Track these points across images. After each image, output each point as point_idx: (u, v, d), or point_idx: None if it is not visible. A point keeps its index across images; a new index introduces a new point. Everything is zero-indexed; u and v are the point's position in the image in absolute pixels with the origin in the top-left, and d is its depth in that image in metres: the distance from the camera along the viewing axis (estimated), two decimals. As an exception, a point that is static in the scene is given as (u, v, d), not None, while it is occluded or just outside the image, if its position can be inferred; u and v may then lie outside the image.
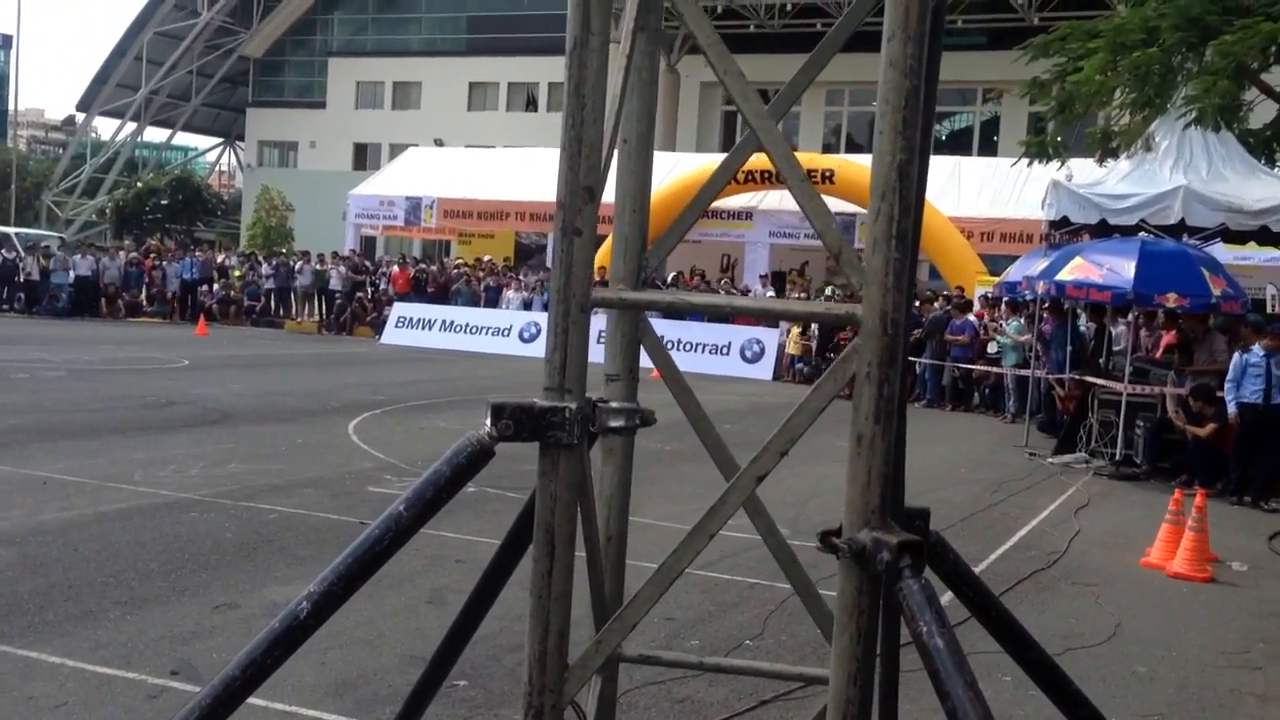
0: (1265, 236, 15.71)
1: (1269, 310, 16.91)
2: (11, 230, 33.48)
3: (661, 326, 23.49)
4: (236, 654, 2.09)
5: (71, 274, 29.53)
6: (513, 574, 2.51)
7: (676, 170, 27.75)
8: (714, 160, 30.63)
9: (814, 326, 21.66)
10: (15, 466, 9.41)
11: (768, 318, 22.89)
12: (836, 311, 2.03)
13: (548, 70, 46.34)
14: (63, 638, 5.57)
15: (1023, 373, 17.30)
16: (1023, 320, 18.06)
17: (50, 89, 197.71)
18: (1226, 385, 12.00)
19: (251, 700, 5.19)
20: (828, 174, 25.60)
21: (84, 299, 29.45)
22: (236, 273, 31.69)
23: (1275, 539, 10.14)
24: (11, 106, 69.41)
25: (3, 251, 30.29)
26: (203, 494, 8.90)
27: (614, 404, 2.23)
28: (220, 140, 60.93)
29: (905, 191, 1.79)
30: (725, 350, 23.48)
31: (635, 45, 2.14)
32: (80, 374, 16.46)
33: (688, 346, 23.51)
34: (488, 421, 1.93)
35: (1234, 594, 8.20)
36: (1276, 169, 17.44)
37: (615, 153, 2.27)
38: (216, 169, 67.60)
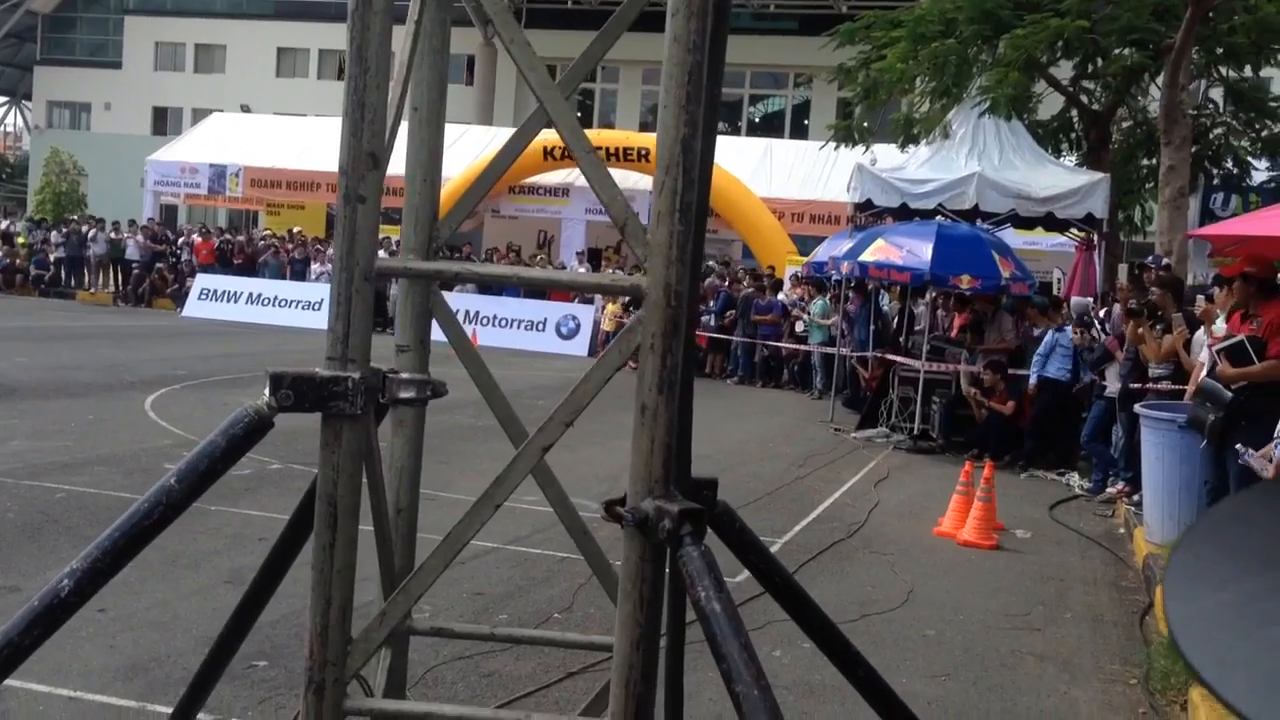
0: (1050, 223, 16.67)
1: (1054, 293, 17.90)
2: None
3: (477, 302, 23.30)
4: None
5: None
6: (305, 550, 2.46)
7: (493, 145, 27.48)
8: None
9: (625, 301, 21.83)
10: None
11: (556, 289, 22.88)
12: (622, 283, 2.06)
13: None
14: None
15: (828, 350, 17.88)
16: (829, 300, 18.64)
17: None
18: (1035, 359, 12.66)
19: (34, 686, 4.96)
20: (644, 152, 25.80)
21: None
22: (21, 240, 29.86)
23: (1056, 508, 10.79)
24: None
25: None
26: (-18, 473, 8.40)
27: (405, 375, 2.20)
28: (5, 100, 57.09)
29: (689, 165, 1.82)
30: (541, 326, 23.45)
31: (425, 11, 2.11)
32: None
33: (503, 322, 23.39)
34: (266, 392, 1.88)
35: (1018, 560, 8.68)
36: (1062, 159, 18.50)
37: (405, 122, 2.24)
38: (1, 130, 63.37)
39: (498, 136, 28.84)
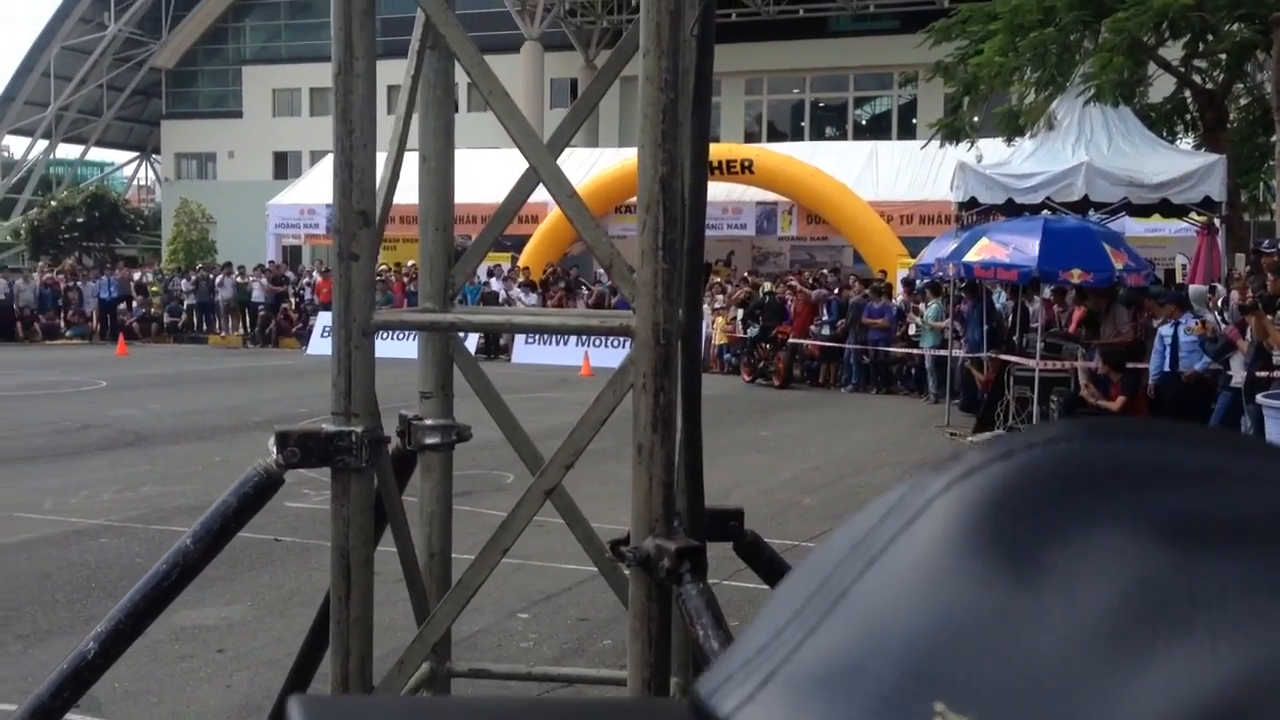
0: (1166, 209, 16.09)
1: (1179, 280, 17.28)
2: (-79, 257, 32.67)
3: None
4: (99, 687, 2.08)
5: (-17, 298, 28.88)
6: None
7: (597, 166, 27.80)
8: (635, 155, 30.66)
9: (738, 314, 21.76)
10: (-86, 502, 9.22)
11: (544, 333, 22.62)
12: (611, 324, 2.07)
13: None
14: (-43, 675, 5.49)
15: (940, 353, 17.55)
16: (941, 302, 18.33)
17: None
18: (1153, 356, 12.29)
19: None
20: (747, 164, 25.76)
21: (-1, 324, 28.82)
22: (155, 289, 31.17)
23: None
24: (-82, 129, 67.68)
25: (-88, 279, 29.54)
26: (113, 519, 8.77)
27: (429, 421, 2.24)
28: (136, 154, 59.84)
29: (669, 203, 1.82)
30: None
31: (424, 63, 2.16)
32: (-9, 402, 16.13)
33: (616, 343, 23.52)
34: (273, 448, 1.94)
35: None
36: (1176, 142, 17.87)
37: (417, 170, 2.28)
38: (134, 184, 66.40)
39: (602, 158, 29.10)
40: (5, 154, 57.30)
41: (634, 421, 1.90)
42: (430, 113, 2.26)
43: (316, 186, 34.09)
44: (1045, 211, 15.03)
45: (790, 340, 20.44)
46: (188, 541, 1.96)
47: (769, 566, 2.23)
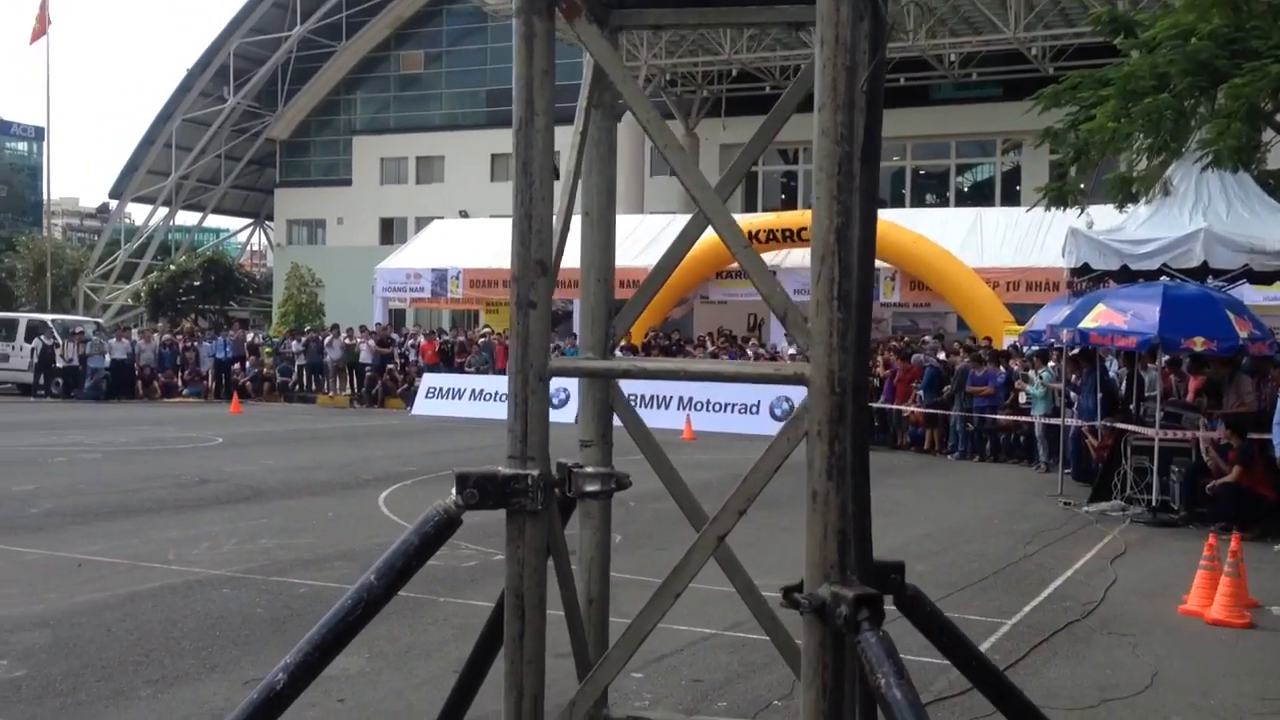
0: (1290, 275, 15.63)
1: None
2: (48, 317, 34.07)
3: (690, 388, 23.52)
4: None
5: (108, 358, 29.98)
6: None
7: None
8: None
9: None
10: (51, 550, 9.54)
11: (718, 380, 22.57)
12: (785, 372, 2.09)
13: (567, 138, 46.80)
14: (95, 718, 5.63)
15: (1052, 421, 17.18)
16: (1052, 368, 17.99)
17: (83, 178, 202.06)
18: (1275, 426, 11.85)
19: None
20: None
21: (121, 382, 29.89)
22: (267, 350, 32.07)
23: (1313, 580, 9.98)
24: (45, 196, 70.90)
25: (41, 338, 30.82)
26: (234, 570, 8.97)
27: (589, 469, 2.28)
28: (250, 221, 61.94)
29: (844, 254, 1.85)
30: (755, 409, 23.45)
31: (590, 121, 2.23)
32: (116, 456, 16.67)
33: (717, 407, 23.51)
34: (453, 491, 1.99)
35: (1274, 639, 8.06)
36: (1298, 207, 17.38)
37: (579, 224, 2.35)
38: (247, 249, 68.61)
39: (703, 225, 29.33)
40: (128, 220, 59.74)
41: (809, 469, 1.91)
42: (594, 170, 2.33)
43: (421, 251, 34.90)
44: (1163, 278, 14.70)
45: (892, 407, 20.25)
46: (371, 578, 2.02)
47: (930, 621, 2.21)
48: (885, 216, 29.43)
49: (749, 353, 25.81)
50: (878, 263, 22.87)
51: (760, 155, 2.33)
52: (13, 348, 31.28)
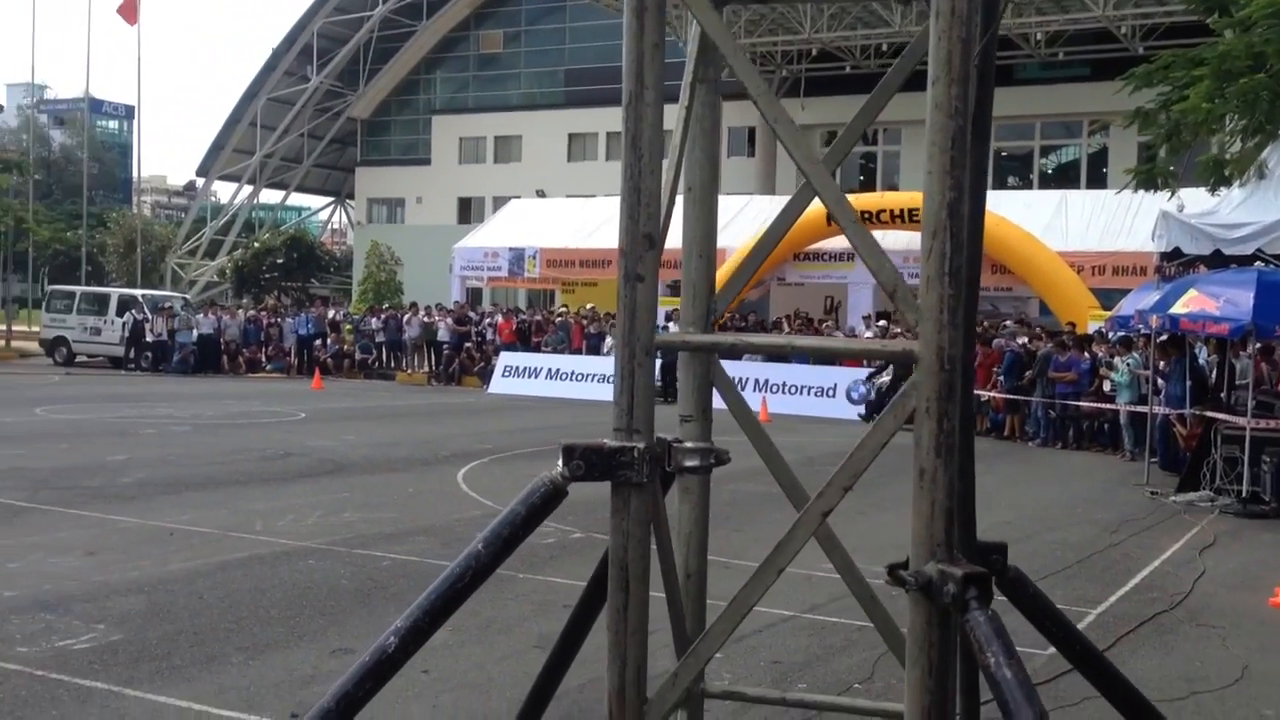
0: (1389, 261, 15.13)
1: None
2: (138, 292, 34.93)
3: (765, 370, 23.45)
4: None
5: (195, 333, 30.70)
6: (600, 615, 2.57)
7: (778, 213, 27.79)
8: (817, 202, 30.59)
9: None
10: (144, 519, 9.81)
11: (826, 356, 22.35)
12: (893, 348, 2.07)
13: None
14: (188, 682, 5.79)
15: (1139, 409, 16.83)
16: (1138, 355, 17.62)
17: (171, 156, 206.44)
18: None
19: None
20: (914, 212, 25.38)
21: (207, 356, 30.60)
22: (348, 328, 32.56)
23: None
24: (135, 174, 72.61)
25: (131, 313, 31.62)
26: (319, 542, 9.16)
27: (689, 444, 2.29)
28: (331, 199, 62.85)
29: (956, 229, 1.83)
30: (831, 392, 23.31)
31: (695, 96, 2.23)
32: (204, 429, 17.08)
33: (792, 389, 23.42)
34: (559, 463, 2.01)
35: (1367, 633, 7.85)
36: (1400, 190, 16.79)
37: (680, 200, 2.35)
38: (328, 227, 69.66)
39: (781, 206, 29.17)
40: (214, 198, 60.96)
41: (915, 447, 1.90)
42: (697, 145, 2.33)
43: (499, 230, 35.14)
44: (1257, 264, 14.32)
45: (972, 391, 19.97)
46: (479, 546, 2.05)
47: (1033, 604, 2.19)
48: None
49: (830, 334, 25.61)
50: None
51: (862, 132, 2.31)
52: (105, 322, 32.14)
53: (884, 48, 39.76)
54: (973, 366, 2.08)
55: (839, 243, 27.33)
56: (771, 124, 1.98)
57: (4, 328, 41.36)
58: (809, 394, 23.31)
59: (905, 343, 1.93)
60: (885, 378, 21.61)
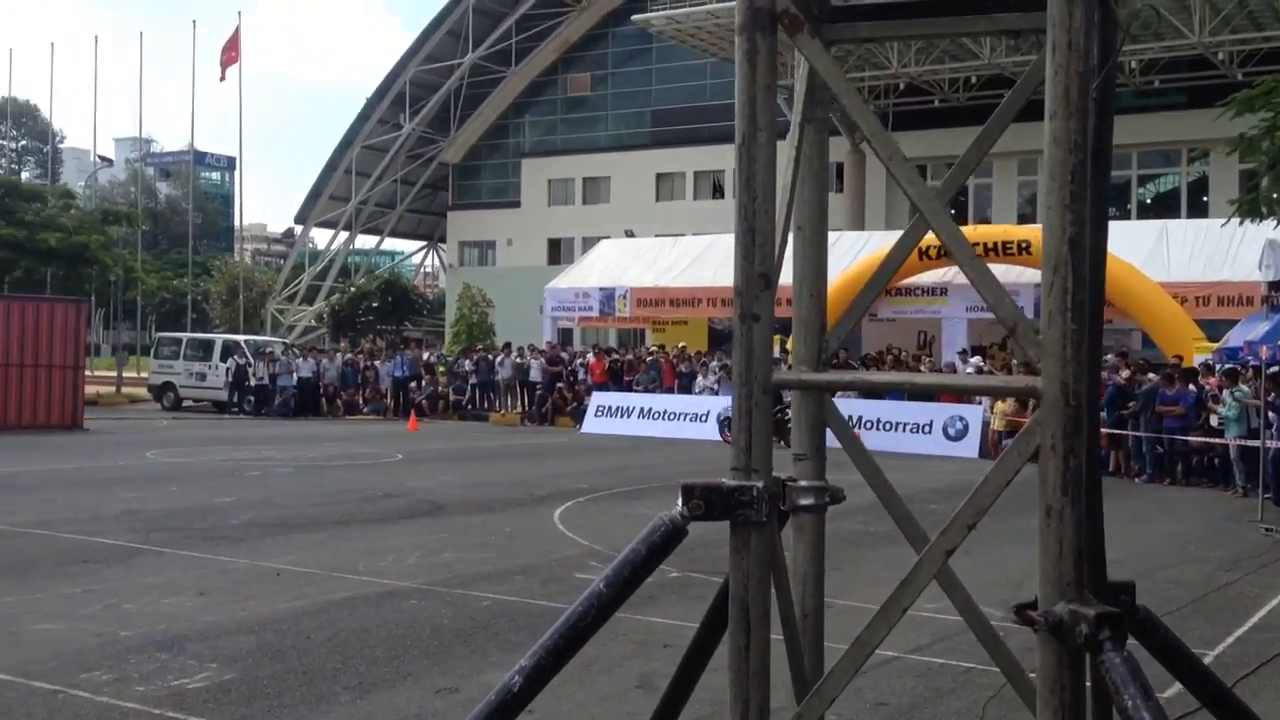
0: None
1: None
2: (241, 338, 35.88)
3: (860, 406, 23.21)
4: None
5: (295, 376, 31.41)
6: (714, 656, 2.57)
7: (866, 250, 27.68)
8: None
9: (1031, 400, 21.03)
10: (251, 559, 10.03)
11: (946, 393, 22.29)
12: (1015, 384, 2.05)
13: (732, 157, 46.96)
14: (299, 720, 5.89)
15: (1250, 443, 16.31)
16: (1247, 387, 17.09)
17: (270, 205, 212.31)
18: None
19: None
20: (1024, 245, 25.01)
21: (307, 399, 31.28)
22: (441, 369, 33.03)
23: None
24: (237, 223, 74.85)
25: (235, 357, 32.48)
26: (420, 582, 9.26)
27: (803, 482, 2.28)
28: (424, 243, 64.11)
29: (1078, 264, 1.81)
30: (927, 429, 23.00)
31: (804, 136, 2.24)
32: (306, 470, 17.43)
33: (887, 426, 23.14)
34: (679, 502, 2.02)
35: None
36: None
37: (790, 238, 2.36)
38: (421, 270, 70.93)
39: (870, 241, 28.97)
40: (311, 245, 62.50)
41: (1041, 484, 1.88)
42: (806, 184, 2.34)
43: (589, 271, 35.43)
44: (1372, 290, 13.85)
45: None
46: (601, 586, 2.07)
47: (1164, 644, 2.13)
48: (1062, 230, 28.43)
49: (923, 370, 25.29)
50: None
51: (978, 165, 2.30)
52: (210, 367, 33.05)
53: (973, 80, 39.44)
54: (1098, 402, 2.05)
55: (931, 277, 27.04)
56: (886, 162, 1.98)
57: (115, 374, 42.75)
58: (904, 430, 23.02)
59: (1028, 379, 1.91)
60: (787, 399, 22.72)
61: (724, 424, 24.51)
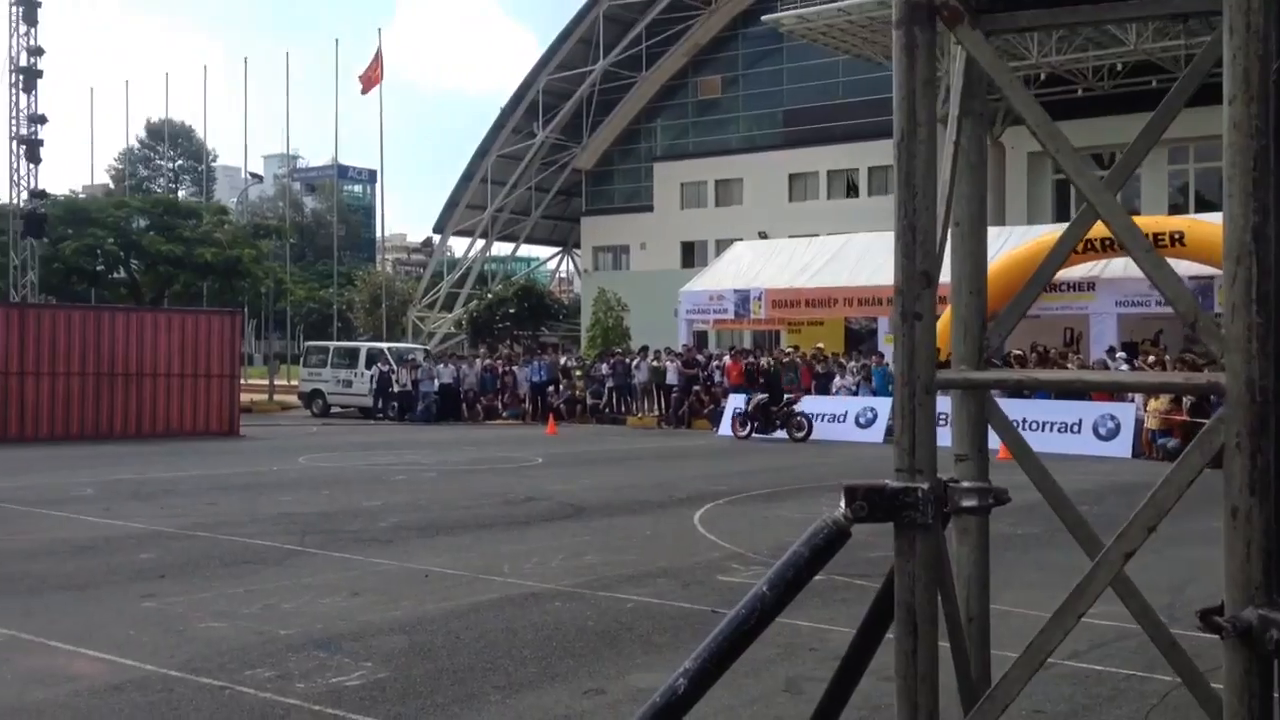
0: None
1: None
2: (384, 346, 36.91)
3: (1005, 405, 22.58)
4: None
5: (437, 383, 32.16)
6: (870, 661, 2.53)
7: (1007, 245, 27.01)
8: (1047, 232, 29.48)
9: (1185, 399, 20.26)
10: (400, 561, 10.29)
11: (1119, 391, 21.60)
12: (1197, 381, 1.97)
13: (865, 155, 46.56)
14: (452, 719, 6.01)
15: None
16: None
17: (409, 215, 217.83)
18: None
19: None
20: (1177, 236, 24.08)
21: (448, 405, 32.00)
22: (578, 373, 33.39)
23: None
24: (378, 234, 77.04)
25: (378, 365, 33.43)
26: (564, 584, 9.36)
27: (966, 483, 2.24)
28: (559, 249, 64.96)
29: (1262, 253, 1.73)
30: (1076, 428, 22.32)
31: (962, 130, 2.20)
32: (449, 474, 17.82)
33: (1034, 425, 22.51)
34: (842, 504, 2.00)
35: None
36: None
37: (949, 235, 2.31)
38: (556, 276, 71.89)
39: (1012, 236, 28.26)
40: (449, 253, 63.92)
41: (1226, 484, 1.80)
42: (964, 178, 2.29)
43: (723, 273, 35.39)
44: None
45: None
46: (764, 589, 2.06)
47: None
48: (1216, 221, 27.26)
49: (1071, 367, 24.55)
50: (1212, 270, 21.13)
51: (1146, 155, 2.22)
52: (355, 374, 34.10)
53: (1118, 68, 38.16)
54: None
55: (1078, 272, 26.25)
56: (1054, 154, 1.93)
57: (267, 382, 44.42)
58: (1051, 430, 22.37)
59: (1210, 375, 1.83)
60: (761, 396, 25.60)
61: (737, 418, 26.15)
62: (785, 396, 25.85)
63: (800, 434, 24.83)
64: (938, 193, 2.13)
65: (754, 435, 25.59)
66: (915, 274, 1.96)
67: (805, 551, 2.03)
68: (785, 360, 29.73)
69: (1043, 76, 39.00)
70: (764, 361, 28.27)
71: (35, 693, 6.31)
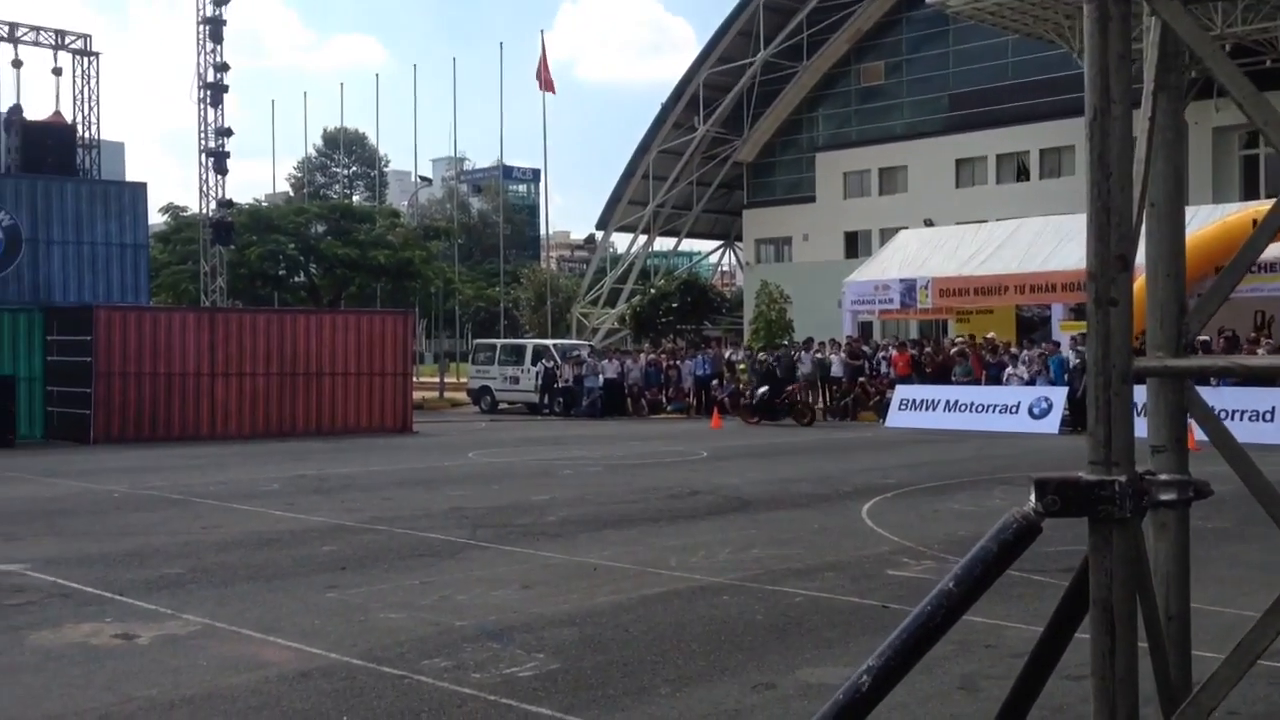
0: None
1: None
2: (550, 342, 37.52)
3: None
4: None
5: (601, 378, 32.54)
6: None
7: (1193, 224, 25.73)
8: (1234, 211, 27.99)
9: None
10: (569, 554, 10.44)
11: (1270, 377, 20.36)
12: None
13: (1037, 137, 45.03)
14: (623, 711, 6.06)
15: None
16: None
17: (572, 213, 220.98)
18: None
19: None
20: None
21: (612, 400, 32.33)
22: (742, 366, 33.29)
23: None
24: (543, 232, 78.42)
25: (544, 361, 34.02)
26: (731, 578, 9.34)
27: (1163, 476, 2.13)
28: (720, 242, 64.89)
29: None
30: (1269, 416, 21.15)
31: (1157, 105, 2.08)
32: (615, 469, 18.00)
33: (1223, 414, 21.39)
34: (1032, 497, 1.93)
35: None
36: None
37: (1143, 217, 2.20)
38: (718, 270, 71.84)
39: (1198, 215, 26.93)
40: (612, 249, 64.59)
41: None
42: (1160, 156, 2.18)
43: (888, 262, 34.77)
44: None
45: None
46: (950, 585, 2.00)
47: None
48: None
49: (1260, 353, 23.28)
50: None
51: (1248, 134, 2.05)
52: (522, 371, 34.78)
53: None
54: None
55: (1269, 253, 24.80)
56: (1261, 126, 1.81)
57: (438, 380, 45.71)
58: (1241, 418, 21.25)
59: None
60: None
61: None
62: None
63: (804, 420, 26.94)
64: (1133, 172, 2.03)
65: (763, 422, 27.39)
66: (1110, 258, 1.87)
67: (994, 547, 1.96)
68: (953, 351, 29.03)
69: (1228, 48, 37.03)
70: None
71: (229, 678, 6.63)
